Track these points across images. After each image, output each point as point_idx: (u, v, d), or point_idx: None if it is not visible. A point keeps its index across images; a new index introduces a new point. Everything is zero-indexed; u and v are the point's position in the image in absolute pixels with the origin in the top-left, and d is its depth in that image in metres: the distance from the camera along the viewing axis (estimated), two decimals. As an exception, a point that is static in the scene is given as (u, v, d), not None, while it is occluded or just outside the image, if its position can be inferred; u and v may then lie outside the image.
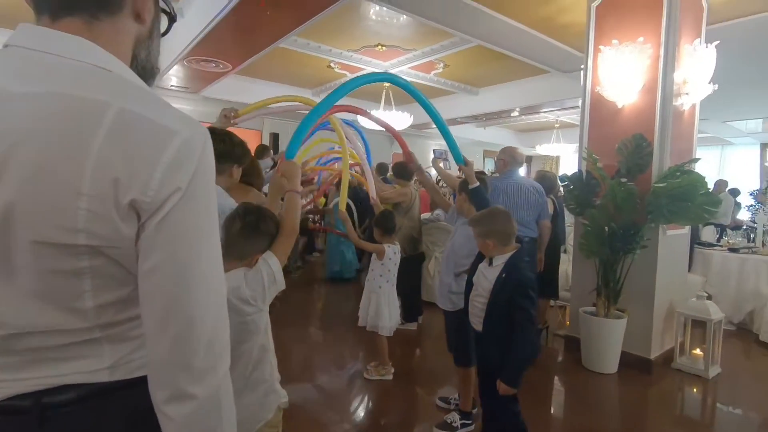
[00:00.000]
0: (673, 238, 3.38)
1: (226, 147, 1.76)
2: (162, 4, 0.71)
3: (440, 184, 5.28)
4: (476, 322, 1.99)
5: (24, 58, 0.57)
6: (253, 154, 4.63)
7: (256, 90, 7.67)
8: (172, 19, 0.74)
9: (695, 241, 4.77)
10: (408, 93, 2.29)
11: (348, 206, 5.67)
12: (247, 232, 1.35)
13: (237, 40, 4.85)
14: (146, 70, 0.70)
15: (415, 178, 4.08)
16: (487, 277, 1.95)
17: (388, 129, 2.96)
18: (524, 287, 1.84)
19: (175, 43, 5.33)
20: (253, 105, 2.51)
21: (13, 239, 0.53)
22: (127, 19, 0.64)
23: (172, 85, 6.97)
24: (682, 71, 3.24)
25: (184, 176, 0.55)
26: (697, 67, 3.23)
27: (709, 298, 3.95)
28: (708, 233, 5.75)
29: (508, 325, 1.84)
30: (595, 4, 3.50)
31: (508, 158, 3.45)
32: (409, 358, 3.57)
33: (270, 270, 1.30)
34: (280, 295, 4.49)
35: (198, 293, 0.57)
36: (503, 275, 1.88)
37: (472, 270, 2.09)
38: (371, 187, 3.11)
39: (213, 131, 1.81)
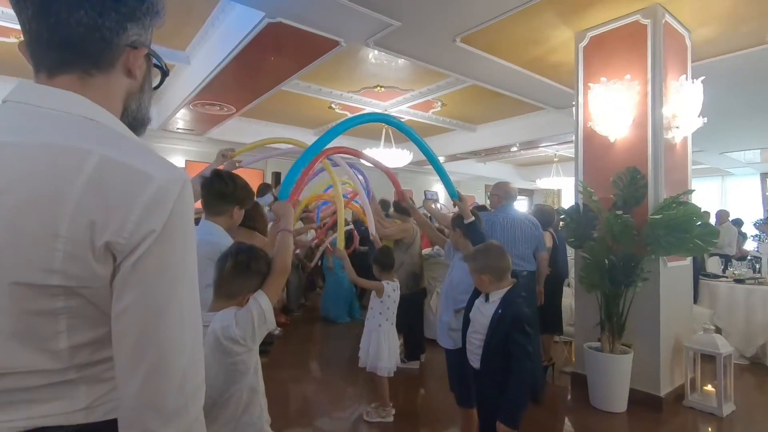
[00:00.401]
0: (675, 270, 3.35)
1: (229, 189, 1.82)
2: (155, 60, 0.76)
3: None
4: (474, 359, 1.96)
5: (18, 112, 0.61)
6: (255, 193, 4.71)
7: (260, 131, 7.90)
8: (164, 74, 0.79)
9: (700, 272, 4.72)
10: (401, 131, 2.36)
11: (351, 234, 5.71)
12: (238, 271, 1.36)
13: (240, 84, 5.04)
14: (137, 120, 0.74)
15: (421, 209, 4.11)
16: (483, 313, 1.93)
17: (381, 168, 3.03)
18: (520, 322, 1.82)
19: (182, 89, 5.55)
20: (247, 146, 2.59)
21: None
22: (119, 74, 0.69)
23: (178, 128, 7.18)
24: (671, 106, 3.33)
25: (158, 219, 0.58)
26: (685, 102, 3.32)
27: (718, 331, 3.87)
28: (713, 264, 5.69)
29: (505, 363, 1.81)
30: (582, 45, 3.64)
31: (501, 193, 3.49)
32: (411, 398, 3.48)
33: (260, 309, 1.30)
34: (279, 334, 4.43)
35: (170, 332, 0.58)
36: (500, 311, 1.87)
37: (468, 306, 2.08)
38: (370, 223, 3.14)
39: (219, 174, 1.87)
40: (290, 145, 3.33)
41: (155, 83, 0.79)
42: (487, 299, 1.95)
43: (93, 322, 0.60)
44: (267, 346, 4.44)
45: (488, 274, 1.93)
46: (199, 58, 4.91)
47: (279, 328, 4.94)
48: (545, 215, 3.98)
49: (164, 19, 0.76)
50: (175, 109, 6.01)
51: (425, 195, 12.27)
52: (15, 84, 0.65)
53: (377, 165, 3.03)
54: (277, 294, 1.40)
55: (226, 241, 1.74)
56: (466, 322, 2.06)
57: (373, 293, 2.97)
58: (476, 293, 2.06)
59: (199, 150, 8.58)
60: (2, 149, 0.58)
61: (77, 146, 0.58)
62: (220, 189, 1.79)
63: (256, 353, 1.38)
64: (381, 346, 2.87)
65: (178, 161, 8.29)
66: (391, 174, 2.87)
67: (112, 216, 0.56)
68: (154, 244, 0.57)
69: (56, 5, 0.61)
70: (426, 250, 4.96)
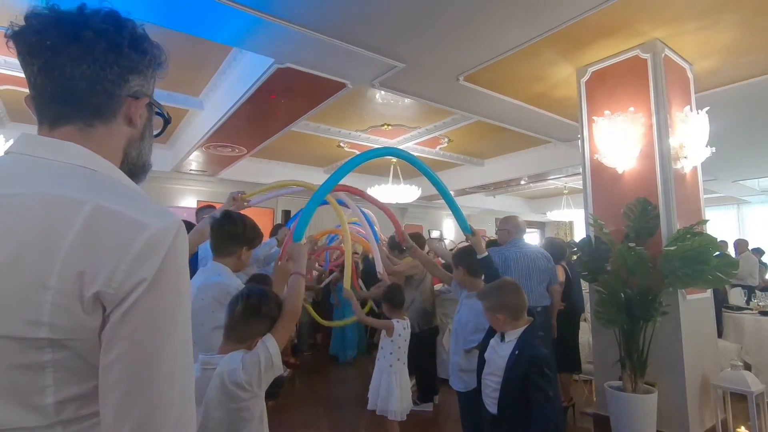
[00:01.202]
0: (695, 302, 3.23)
1: (238, 229, 1.83)
2: (157, 110, 0.78)
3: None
4: (490, 403, 1.87)
5: (17, 163, 0.63)
6: (269, 233, 4.72)
7: (271, 170, 8.06)
8: (166, 122, 0.81)
9: (722, 304, 4.55)
10: (412, 165, 2.37)
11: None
12: (248, 315, 1.35)
13: (251, 127, 5.19)
14: (137, 167, 0.75)
15: (426, 249, 4.08)
16: (499, 353, 1.85)
17: (381, 207, 3.04)
18: (539, 364, 1.74)
19: (196, 132, 5.74)
20: (259, 190, 2.64)
21: None
22: (120, 124, 0.71)
23: (191, 170, 7.36)
24: (677, 137, 3.32)
25: (150, 267, 0.56)
26: (691, 133, 3.32)
27: (747, 367, 3.68)
28: (736, 296, 5.48)
29: (524, 407, 1.72)
30: (584, 80, 3.71)
31: (511, 228, 3.45)
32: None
33: (268, 353, 1.28)
34: (288, 376, 4.32)
35: (159, 388, 0.56)
36: (516, 352, 1.79)
37: (483, 346, 2.01)
38: (377, 260, 3.11)
39: (229, 214, 1.90)
40: (292, 188, 3.37)
41: (157, 131, 0.81)
42: (502, 339, 1.87)
43: (80, 376, 0.58)
44: (276, 389, 4.32)
45: (503, 313, 1.86)
46: (212, 103, 5.10)
47: (288, 370, 4.83)
48: (557, 248, 3.91)
49: (167, 69, 0.78)
50: (188, 152, 6.18)
51: (428, 234, 12.26)
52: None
53: (376, 204, 3.04)
54: (286, 338, 1.38)
55: (235, 282, 1.73)
56: (482, 363, 1.98)
57: (383, 333, 2.90)
58: (491, 332, 1.99)
59: (211, 190, 8.74)
60: None
61: (71, 196, 0.58)
62: (229, 230, 1.81)
63: (261, 400, 1.33)
64: (391, 387, 2.75)
65: (190, 202, 8.44)
66: (390, 213, 2.86)
67: (101, 265, 0.55)
68: (144, 294, 0.56)
69: (61, 59, 0.63)
70: (437, 286, 4.89)
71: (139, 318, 0.56)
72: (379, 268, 3.06)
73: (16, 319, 0.54)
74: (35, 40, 0.63)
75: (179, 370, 0.59)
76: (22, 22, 0.64)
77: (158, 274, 0.57)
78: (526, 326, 1.86)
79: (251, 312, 1.35)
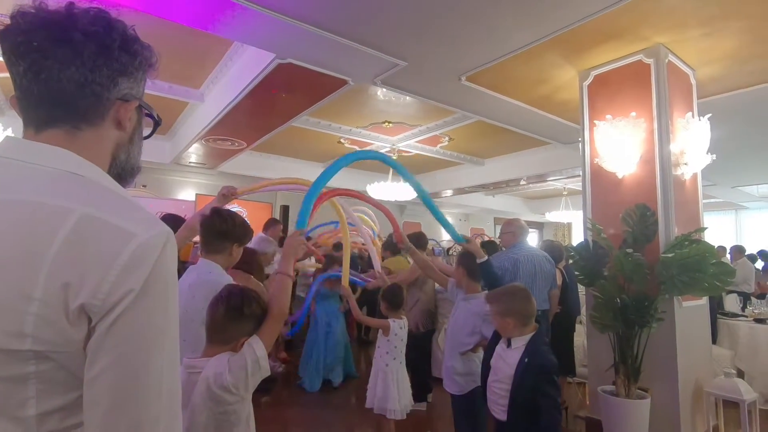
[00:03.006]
0: (691, 309, 3.24)
1: (228, 227, 1.82)
2: (147, 112, 0.76)
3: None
4: (498, 410, 1.85)
5: (1, 168, 0.60)
6: (262, 227, 4.70)
7: (270, 165, 8.04)
8: (156, 124, 0.79)
9: (717, 310, 4.55)
10: (399, 174, 2.35)
11: None
12: (230, 317, 1.32)
13: (251, 121, 5.17)
14: (125, 170, 0.73)
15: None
16: (506, 360, 1.84)
17: (380, 208, 3.03)
18: (548, 372, 1.74)
19: (196, 125, 5.71)
20: (251, 186, 2.62)
21: None
22: (109, 127, 0.69)
23: (191, 162, 7.34)
24: (678, 143, 3.31)
25: (138, 278, 0.55)
26: (692, 139, 3.31)
27: (740, 374, 3.69)
28: (731, 302, 5.49)
29: (532, 414, 1.71)
30: (586, 83, 3.69)
31: (517, 230, 3.47)
32: (418, 443, 3.32)
33: (254, 356, 1.25)
34: (282, 371, 4.28)
35: (145, 402, 0.55)
36: (525, 359, 1.77)
37: (488, 352, 1.99)
38: (374, 259, 3.09)
39: (218, 211, 1.88)
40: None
41: (147, 133, 0.79)
42: (509, 345, 1.85)
43: (64, 387, 0.57)
44: (269, 384, 4.32)
45: (513, 318, 1.84)
46: (213, 96, 5.07)
47: (282, 365, 4.84)
48: (555, 251, 3.92)
49: (158, 70, 0.76)
50: (188, 144, 6.16)
51: (434, 252, 12.20)
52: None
53: (376, 205, 3.03)
54: (273, 339, 1.35)
55: (225, 279, 1.72)
56: (486, 368, 1.96)
57: (380, 332, 2.90)
58: (495, 338, 1.97)
59: (210, 183, 8.72)
60: None
61: (57, 204, 0.56)
62: (219, 227, 1.79)
63: (248, 403, 1.32)
64: (389, 386, 2.75)
65: (189, 194, 8.43)
66: (389, 214, 2.86)
67: (88, 276, 0.53)
68: (131, 305, 0.54)
69: (49, 62, 0.61)
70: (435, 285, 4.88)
71: (126, 330, 0.55)
72: (378, 267, 3.04)
73: (1, 331, 0.53)
74: (21, 41, 0.61)
75: (166, 383, 0.57)
76: (7, 21, 0.61)
77: (146, 284, 0.55)
78: (533, 333, 1.85)
79: (233, 314, 1.32)
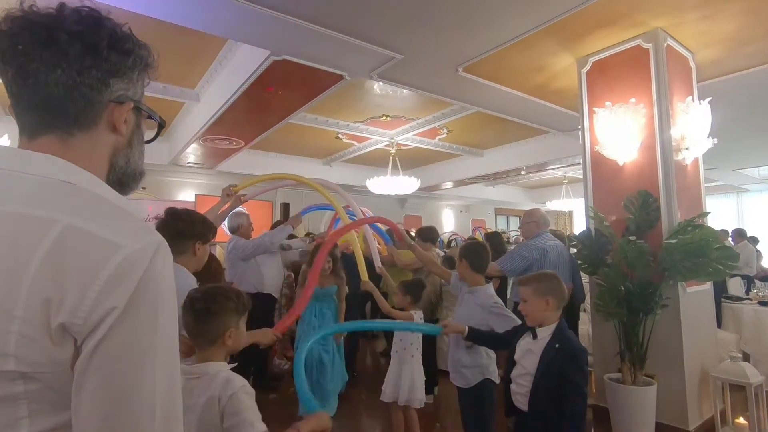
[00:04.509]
0: (695, 295, 3.23)
1: (185, 225, 1.74)
2: (146, 114, 0.73)
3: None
4: (522, 401, 1.83)
5: None
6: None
7: (269, 162, 8.02)
8: (160, 126, 0.76)
9: (721, 294, 4.55)
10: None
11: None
12: (201, 319, 1.32)
13: (248, 119, 5.14)
14: (126, 175, 0.70)
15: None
16: (533, 350, 1.82)
17: (385, 221, 3.01)
18: (579, 359, 1.73)
19: (193, 125, 5.68)
20: (248, 181, 2.60)
21: None
22: (103, 132, 0.66)
23: (189, 162, 7.32)
24: (679, 128, 3.29)
25: (122, 294, 0.52)
26: (693, 123, 3.28)
27: (746, 357, 3.69)
28: (734, 285, 5.49)
29: (555, 401, 1.69)
30: (584, 70, 3.66)
31: (539, 219, 3.53)
32: (426, 436, 3.33)
33: (246, 392, 1.26)
34: (288, 368, 4.22)
35: (138, 420, 0.52)
36: (557, 345, 1.76)
37: (511, 349, 1.97)
38: (375, 256, 3.07)
39: (173, 212, 1.79)
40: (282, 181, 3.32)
41: (150, 136, 0.76)
42: (534, 336, 1.84)
43: (57, 407, 0.54)
44: (277, 382, 4.34)
45: (553, 298, 1.82)
46: (209, 95, 5.04)
47: (288, 362, 4.85)
48: (560, 240, 3.91)
49: (157, 69, 0.73)
50: (185, 145, 6.13)
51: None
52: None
53: (375, 221, 3.02)
54: (239, 341, 1.37)
55: (191, 281, 1.69)
56: (511, 363, 1.95)
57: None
58: (517, 332, 1.95)
59: (209, 183, 8.70)
60: None
61: (41, 215, 0.53)
62: (176, 227, 1.73)
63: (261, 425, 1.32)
64: (415, 377, 2.76)
65: (189, 195, 8.41)
66: (388, 222, 2.84)
67: (68, 292, 0.50)
68: (116, 324, 0.51)
69: (34, 65, 0.59)
70: (436, 279, 4.87)
71: (112, 350, 0.51)
72: (378, 263, 3.03)
73: None
74: (7, 45, 0.59)
75: (161, 401, 0.54)
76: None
77: (131, 301, 0.52)
78: (557, 322, 1.83)
79: (202, 316, 1.32)
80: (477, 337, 2.14)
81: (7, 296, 0.50)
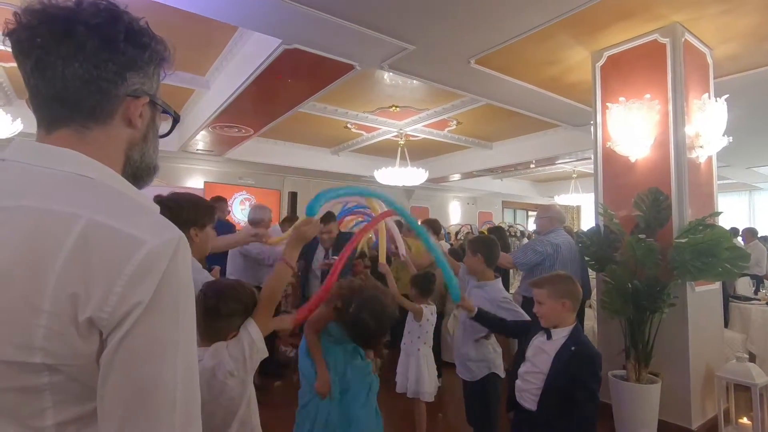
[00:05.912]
0: (704, 294, 3.21)
1: (173, 214, 1.49)
2: (161, 108, 0.73)
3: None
4: (529, 399, 1.82)
5: (11, 172, 0.59)
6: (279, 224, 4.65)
7: (277, 151, 8.03)
8: (175, 121, 0.77)
9: (730, 294, 4.52)
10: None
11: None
12: (210, 316, 1.32)
13: (258, 107, 5.14)
14: (141, 170, 0.71)
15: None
16: (546, 350, 1.81)
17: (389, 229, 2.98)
18: (594, 364, 1.72)
19: (202, 112, 5.69)
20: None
21: None
22: (119, 125, 0.66)
23: (198, 149, 7.34)
24: (694, 125, 3.24)
25: (146, 289, 0.53)
26: (708, 121, 3.22)
27: (752, 358, 3.68)
28: (743, 285, 5.45)
29: (565, 404, 1.69)
30: (599, 64, 3.60)
31: (554, 215, 3.55)
32: (430, 424, 3.37)
33: (250, 338, 1.28)
34: (294, 355, 4.27)
35: (159, 413, 0.54)
36: (573, 348, 1.74)
37: (523, 346, 1.98)
38: (399, 245, 3.00)
39: (159, 200, 1.55)
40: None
41: (165, 130, 0.76)
42: (549, 337, 1.82)
43: (81, 398, 0.56)
44: (283, 369, 4.39)
45: (570, 300, 1.81)
46: (219, 83, 5.03)
47: (294, 350, 4.91)
48: (570, 236, 3.91)
49: (173, 64, 0.73)
50: (195, 132, 6.15)
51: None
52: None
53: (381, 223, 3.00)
54: (267, 320, 1.37)
55: (205, 275, 1.63)
56: (520, 359, 1.95)
57: (410, 316, 2.88)
58: (531, 329, 1.95)
59: (218, 170, 8.74)
60: None
61: (64, 210, 0.54)
62: (168, 217, 1.66)
63: (250, 385, 1.34)
64: (422, 370, 2.77)
65: (198, 182, 8.46)
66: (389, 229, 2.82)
67: (94, 287, 0.51)
68: (141, 318, 0.52)
69: (52, 58, 0.59)
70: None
71: (136, 344, 0.53)
72: (402, 251, 2.95)
73: (8, 344, 0.51)
74: (25, 38, 0.59)
75: (181, 395, 0.55)
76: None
77: (155, 296, 0.53)
78: (573, 325, 1.82)
79: (212, 314, 1.32)
80: (484, 319, 2.15)
81: (33, 291, 0.51)
